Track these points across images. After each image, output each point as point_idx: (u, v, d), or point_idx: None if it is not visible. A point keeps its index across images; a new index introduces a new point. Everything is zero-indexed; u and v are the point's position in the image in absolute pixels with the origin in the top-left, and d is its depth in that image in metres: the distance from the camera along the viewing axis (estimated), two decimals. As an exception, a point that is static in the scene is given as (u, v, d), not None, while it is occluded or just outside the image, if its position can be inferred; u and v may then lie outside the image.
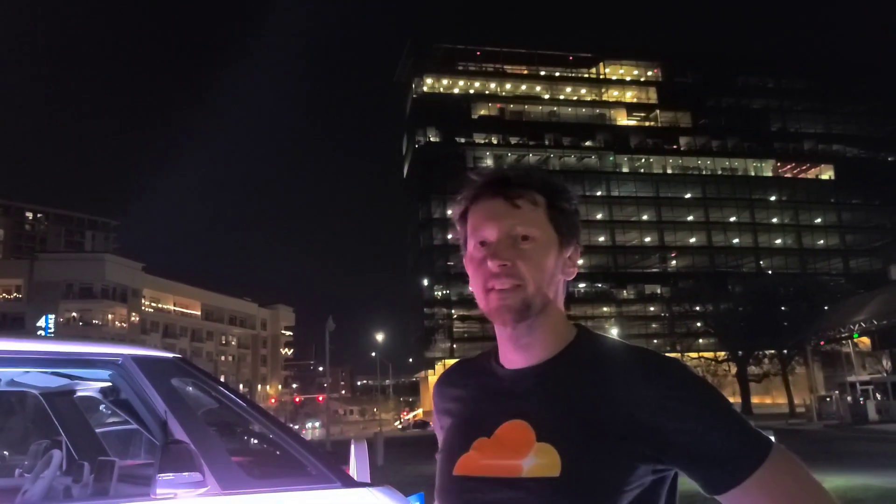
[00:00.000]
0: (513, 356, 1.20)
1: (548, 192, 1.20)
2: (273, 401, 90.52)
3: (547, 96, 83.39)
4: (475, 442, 1.17)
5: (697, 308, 62.00)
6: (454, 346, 71.04)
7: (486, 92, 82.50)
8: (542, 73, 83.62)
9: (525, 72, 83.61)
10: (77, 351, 2.92)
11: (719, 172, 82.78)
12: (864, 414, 31.56)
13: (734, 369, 53.89)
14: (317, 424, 73.80)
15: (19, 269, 72.53)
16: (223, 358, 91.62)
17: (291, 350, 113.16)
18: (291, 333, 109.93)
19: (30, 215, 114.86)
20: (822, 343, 39.52)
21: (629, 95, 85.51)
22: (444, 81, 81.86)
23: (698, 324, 64.14)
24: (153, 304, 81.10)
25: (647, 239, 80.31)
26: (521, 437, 1.11)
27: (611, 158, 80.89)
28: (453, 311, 72.11)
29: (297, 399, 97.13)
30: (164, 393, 2.69)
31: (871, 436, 24.65)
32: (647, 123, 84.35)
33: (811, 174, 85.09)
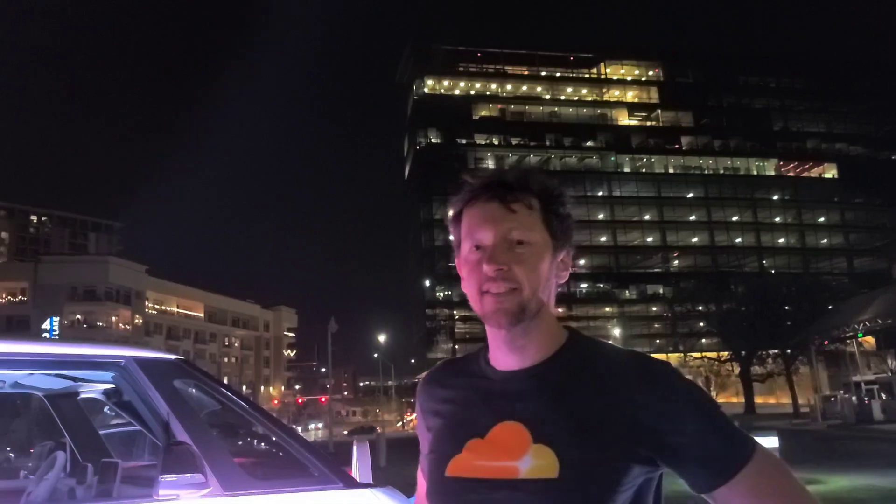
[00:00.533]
0: (506, 358, 1.20)
1: (543, 195, 1.21)
2: (276, 402, 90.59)
3: (548, 97, 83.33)
4: (468, 443, 1.17)
5: (700, 308, 61.89)
6: (456, 346, 71.00)
7: (487, 93, 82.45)
8: (543, 73, 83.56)
9: (526, 72, 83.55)
10: (80, 353, 2.93)
11: (721, 172, 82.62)
12: (869, 414, 31.44)
13: (737, 369, 53.80)
14: (319, 425, 73.82)
15: (24, 272, 72.66)
16: (226, 360, 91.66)
17: (294, 351, 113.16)
18: (294, 335, 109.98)
19: (34, 218, 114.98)
20: (825, 343, 39.40)
21: (630, 95, 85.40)
22: (445, 83, 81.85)
23: (701, 324, 64.03)
24: (156, 307, 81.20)
25: (650, 239, 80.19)
26: (517, 439, 1.12)
27: (612, 158, 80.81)
28: (455, 312, 72.08)
29: (300, 400, 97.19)
30: (167, 394, 2.70)
31: (876, 436, 24.58)
32: (648, 123, 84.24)
33: (814, 173, 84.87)
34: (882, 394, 33.93)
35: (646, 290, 77.15)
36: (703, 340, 65.35)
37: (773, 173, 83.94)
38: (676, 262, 78.98)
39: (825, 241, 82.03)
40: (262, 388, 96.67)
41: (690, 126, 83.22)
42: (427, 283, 73.52)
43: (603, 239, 78.46)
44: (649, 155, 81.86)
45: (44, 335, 58.90)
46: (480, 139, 79.13)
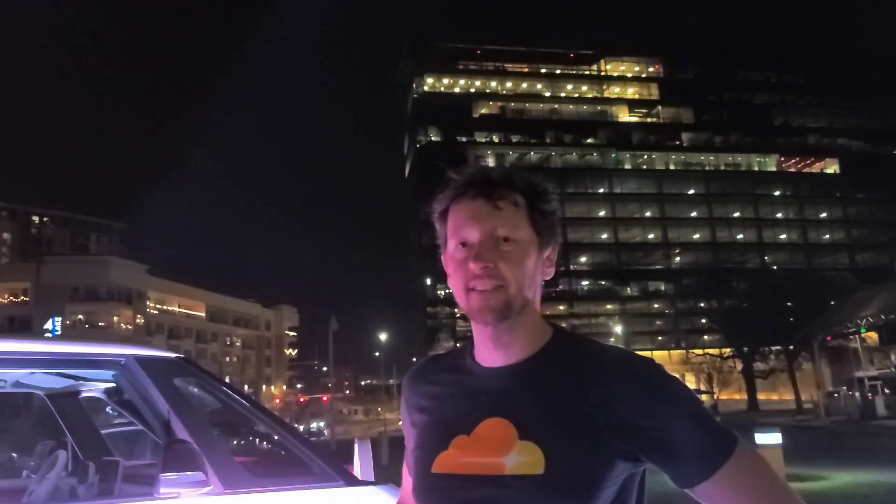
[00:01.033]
0: (492, 355, 1.21)
1: (528, 193, 1.22)
2: (278, 401, 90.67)
3: (548, 94, 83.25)
4: (454, 440, 1.18)
5: (702, 304, 61.94)
6: (457, 344, 70.08)
7: (487, 90, 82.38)
8: (543, 70, 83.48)
9: (526, 70, 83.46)
10: (80, 351, 2.92)
11: (722, 168, 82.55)
12: (873, 410, 31.41)
13: (740, 366, 53.81)
14: (321, 424, 73.86)
15: (26, 273, 72.83)
16: (228, 359, 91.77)
17: (295, 350, 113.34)
18: (295, 334, 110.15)
19: (36, 219, 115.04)
20: (828, 338, 39.37)
21: (630, 92, 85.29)
22: (445, 80, 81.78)
23: (703, 320, 64.06)
24: (158, 306, 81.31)
25: (651, 236, 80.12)
26: (503, 435, 1.13)
27: (613, 155, 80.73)
28: (456, 310, 71.90)
29: (302, 399, 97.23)
30: (167, 393, 2.69)
31: (880, 432, 24.57)
32: (648, 120, 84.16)
33: (815, 168, 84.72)
34: (885, 389, 33.92)
35: (647, 286, 77.11)
36: (706, 337, 65.38)
37: (774, 169, 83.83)
38: (678, 258, 78.90)
39: (827, 236, 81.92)
40: (264, 387, 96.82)
41: (691, 122, 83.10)
42: (428, 281, 73.50)
43: (604, 236, 78.43)
44: (650, 151, 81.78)
45: (46, 335, 58.94)
46: (481, 137, 79.08)
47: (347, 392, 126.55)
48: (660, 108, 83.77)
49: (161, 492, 2.41)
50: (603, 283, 76.95)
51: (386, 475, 3.05)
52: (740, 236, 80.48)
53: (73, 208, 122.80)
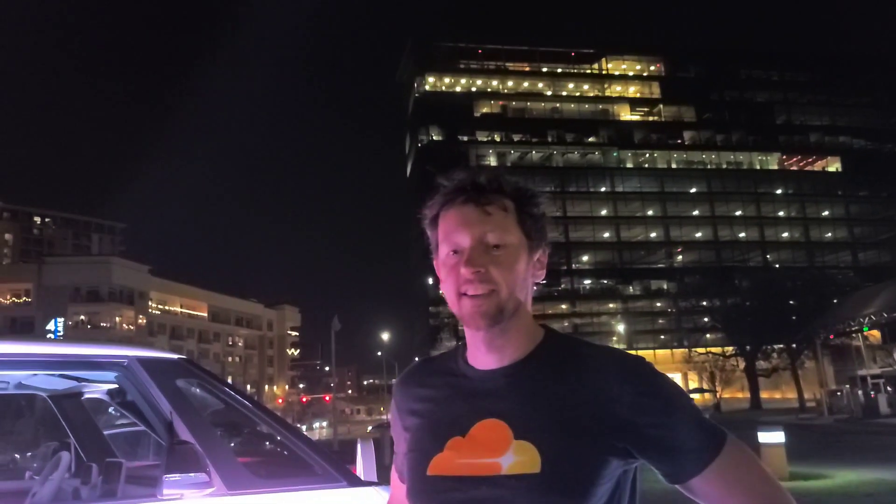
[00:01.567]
0: (485, 358, 1.22)
1: (517, 197, 1.23)
2: (280, 401, 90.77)
3: (549, 93, 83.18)
4: (449, 441, 1.18)
5: (704, 303, 61.85)
6: (459, 344, 70.74)
7: (488, 90, 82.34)
8: (545, 69, 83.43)
9: (527, 69, 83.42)
10: (83, 353, 2.92)
11: (724, 166, 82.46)
12: (875, 408, 31.34)
13: (742, 364, 53.74)
14: (324, 424, 73.92)
15: (28, 273, 72.94)
16: (230, 359, 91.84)
17: (298, 350, 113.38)
18: (297, 334, 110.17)
19: (37, 220, 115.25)
20: (831, 337, 39.32)
21: (632, 91, 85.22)
22: (446, 80, 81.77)
23: (705, 319, 63.99)
24: (160, 307, 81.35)
25: (653, 234, 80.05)
26: (498, 436, 1.14)
27: (615, 154, 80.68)
28: (458, 310, 71.90)
29: (304, 399, 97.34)
30: (170, 394, 2.69)
31: (883, 429, 24.51)
32: (650, 118, 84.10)
33: (817, 167, 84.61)
34: (888, 387, 33.80)
35: (650, 285, 77.06)
36: (708, 336, 65.30)
37: (776, 167, 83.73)
38: (680, 257, 78.87)
39: (829, 234, 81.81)
40: (266, 387, 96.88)
41: (693, 121, 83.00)
42: (430, 280, 73.48)
43: (606, 235, 78.39)
44: (652, 150, 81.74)
45: (48, 336, 59.08)
46: (482, 136, 79.07)
47: (350, 392, 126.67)
48: (661, 106, 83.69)
49: (164, 493, 2.42)
50: (605, 281, 76.91)
51: (389, 475, 3.05)
52: (742, 235, 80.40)
53: (75, 209, 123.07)
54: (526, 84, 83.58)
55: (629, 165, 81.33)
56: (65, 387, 3.63)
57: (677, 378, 52.12)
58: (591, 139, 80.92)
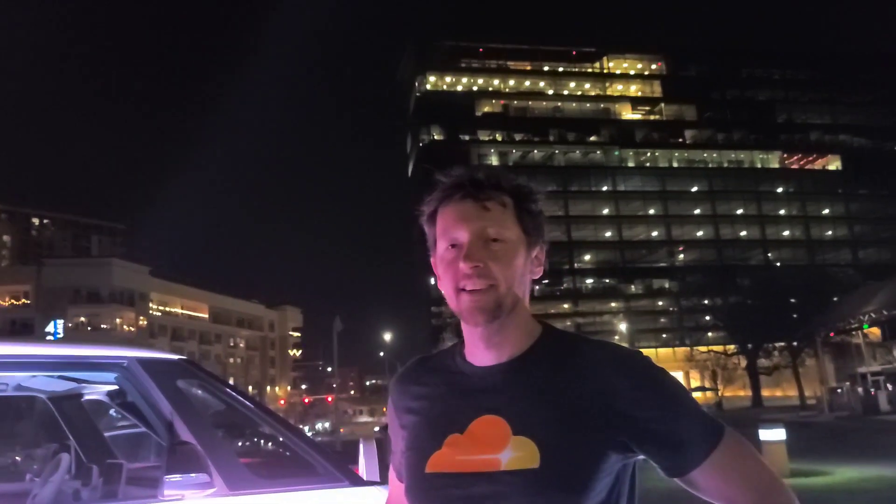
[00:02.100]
0: (482, 353, 1.23)
1: (515, 193, 1.23)
2: (283, 402, 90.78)
3: (551, 92, 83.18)
4: (448, 439, 1.18)
5: (706, 302, 61.88)
6: (457, 341, 70.82)
7: (490, 89, 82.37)
8: (546, 68, 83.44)
9: (528, 68, 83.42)
10: (82, 354, 2.91)
11: (725, 165, 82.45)
12: (876, 405, 31.37)
13: (744, 362, 53.78)
14: (326, 425, 73.95)
15: (27, 275, 72.80)
16: (232, 360, 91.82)
17: (300, 351, 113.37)
18: (299, 335, 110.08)
19: (36, 221, 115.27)
20: (831, 334, 39.34)
21: (633, 89, 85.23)
22: (447, 79, 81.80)
23: (707, 317, 64.02)
24: (161, 308, 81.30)
25: (654, 233, 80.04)
26: (497, 432, 1.14)
27: (616, 153, 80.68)
28: (460, 309, 71.90)
29: (307, 400, 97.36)
30: (170, 394, 2.68)
31: (883, 427, 24.52)
32: (651, 117, 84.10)
33: (818, 165, 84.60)
34: (888, 385, 33.84)
35: (651, 284, 77.07)
36: (710, 334, 65.30)
37: (777, 166, 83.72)
38: (682, 256, 78.88)
39: (830, 232, 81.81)
40: (269, 388, 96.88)
41: (694, 119, 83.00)
42: (431, 280, 72.98)
43: (608, 234, 78.42)
44: (653, 149, 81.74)
45: (48, 338, 59.10)
46: (483, 135, 79.08)
47: (352, 392, 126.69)
48: (663, 105, 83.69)
49: (165, 494, 2.41)
50: (607, 280, 76.92)
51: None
52: (744, 233, 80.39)
53: (75, 210, 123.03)
54: (527, 83, 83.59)
55: (631, 164, 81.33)
56: (64, 388, 3.62)
57: (679, 376, 51.86)
58: (592, 138, 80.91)
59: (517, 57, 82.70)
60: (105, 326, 70.70)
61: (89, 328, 69.56)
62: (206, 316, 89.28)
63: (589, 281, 77.20)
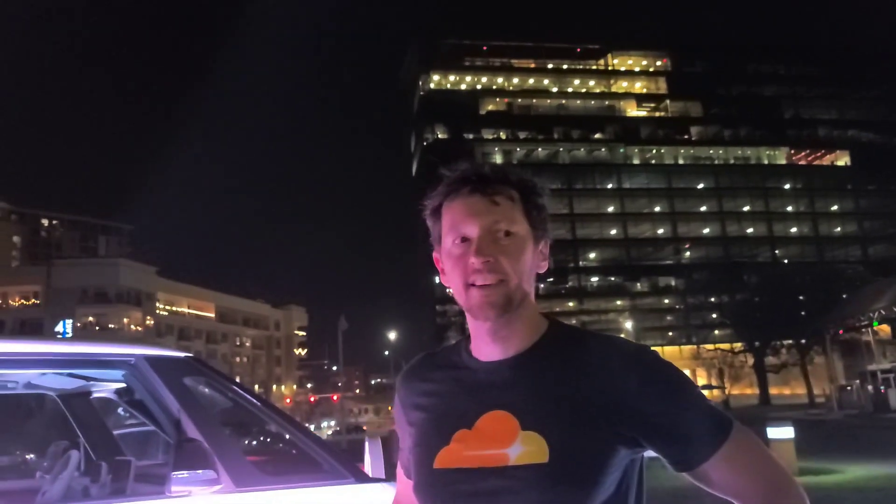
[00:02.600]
0: (489, 348, 1.22)
1: (522, 187, 1.23)
2: (288, 401, 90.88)
3: (555, 89, 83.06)
4: (455, 434, 1.18)
5: (713, 299, 61.73)
6: (463, 337, 70.84)
7: (494, 87, 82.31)
8: (550, 66, 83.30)
9: (532, 65, 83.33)
10: (90, 352, 2.94)
11: (732, 162, 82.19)
12: (885, 403, 31.21)
13: (751, 360, 53.63)
14: (332, 423, 74.03)
15: (36, 275, 73.25)
16: (238, 359, 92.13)
17: (305, 350, 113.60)
18: (305, 334, 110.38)
19: (45, 222, 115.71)
20: (840, 332, 39.18)
21: (638, 86, 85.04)
22: (451, 77, 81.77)
23: (714, 315, 63.85)
24: (167, 308, 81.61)
25: (660, 231, 79.88)
26: (505, 427, 1.14)
27: (621, 150, 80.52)
28: (465, 307, 71.89)
29: (313, 399, 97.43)
30: (177, 392, 2.70)
31: (893, 425, 24.41)
32: (657, 114, 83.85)
33: (826, 161, 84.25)
34: (898, 382, 33.65)
35: (658, 282, 76.91)
36: (717, 332, 65.13)
37: (784, 162, 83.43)
38: (688, 253, 78.65)
39: (838, 229, 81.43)
40: (274, 387, 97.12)
41: (700, 116, 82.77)
42: (436, 279, 72.89)
43: (613, 232, 78.28)
44: (659, 146, 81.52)
45: (57, 338, 59.32)
46: (488, 134, 79.05)
47: (358, 391, 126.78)
48: (668, 102, 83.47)
49: (172, 490, 2.42)
50: (613, 279, 76.80)
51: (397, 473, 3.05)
52: (751, 230, 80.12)
53: (82, 211, 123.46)
54: (531, 81, 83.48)
55: (636, 162, 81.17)
56: (73, 386, 3.64)
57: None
58: (597, 136, 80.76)
59: (521, 55, 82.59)
60: (112, 326, 70.99)
61: (97, 328, 69.87)
62: (213, 315, 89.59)
63: (594, 279, 77.07)
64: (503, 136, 79.29)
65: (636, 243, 78.73)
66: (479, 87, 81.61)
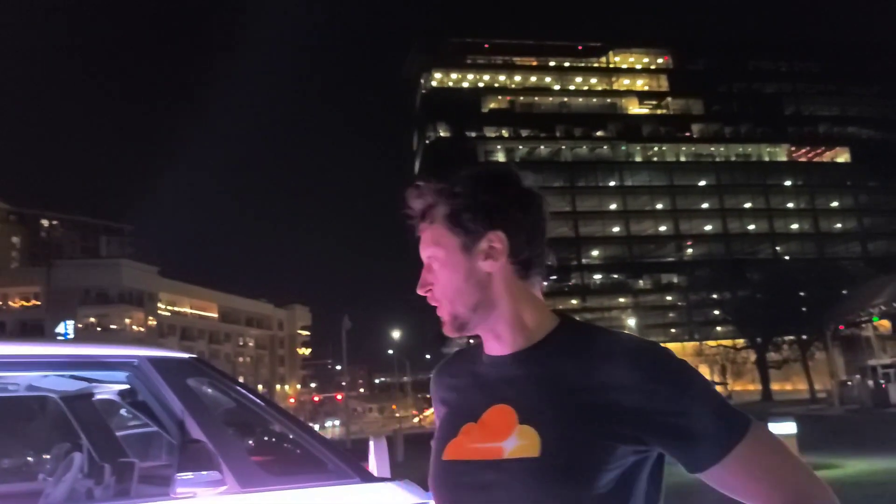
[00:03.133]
0: (493, 345, 1.24)
1: (441, 199, 1.23)
2: (292, 400, 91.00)
3: (557, 87, 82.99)
4: (463, 427, 1.21)
5: (715, 296, 61.70)
6: (471, 341, 70.52)
7: (496, 85, 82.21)
8: (552, 63, 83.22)
9: (534, 63, 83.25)
10: (93, 353, 2.93)
11: (733, 159, 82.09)
12: (886, 398, 31.26)
13: (753, 356, 53.65)
14: (336, 423, 74.11)
15: (37, 277, 73.28)
16: (241, 359, 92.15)
17: (309, 350, 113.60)
18: (308, 333, 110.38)
19: (45, 223, 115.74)
20: (841, 328, 39.21)
21: (640, 84, 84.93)
22: (453, 76, 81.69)
23: (716, 312, 63.87)
24: (170, 308, 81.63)
25: (662, 228, 79.84)
26: (504, 421, 1.15)
27: (623, 148, 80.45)
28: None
29: (316, 398, 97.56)
30: (181, 393, 2.69)
31: (894, 419, 24.43)
32: (658, 111, 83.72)
33: (826, 158, 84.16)
34: (899, 377, 33.65)
35: (660, 279, 76.89)
36: (719, 328, 65.17)
37: (785, 159, 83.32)
38: (690, 250, 78.58)
39: (839, 225, 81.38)
40: (278, 386, 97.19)
41: (701, 113, 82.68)
42: (440, 277, 73.48)
43: (615, 229, 78.25)
44: (660, 143, 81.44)
45: (59, 339, 59.37)
46: (490, 132, 79.01)
47: (362, 390, 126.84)
48: (669, 99, 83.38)
49: (177, 491, 2.42)
50: (615, 276, 76.78)
51: (402, 472, 3.06)
52: (752, 227, 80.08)
53: (82, 211, 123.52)
54: (533, 79, 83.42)
55: (638, 159, 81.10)
56: (76, 388, 3.64)
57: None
58: (599, 133, 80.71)
59: (523, 52, 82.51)
60: (114, 327, 71.07)
61: (99, 329, 69.96)
62: (216, 315, 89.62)
63: (597, 276, 77.05)
64: (505, 134, 79.25)
65: (638, 241, 78.70)
66: (481, 85, 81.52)
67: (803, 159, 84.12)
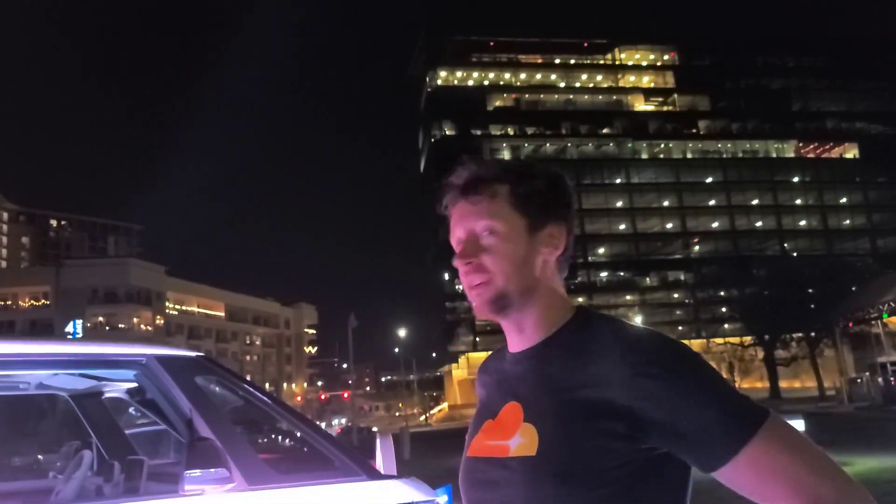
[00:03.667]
0: (513, 340, 1.23)
1: (507, 179, 1.20)
2: (299, 399, 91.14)
3: (562, 85, 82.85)
4: (483, 424, 1.22)
5: (722, 293, 61.43)
6: (477, 339, 71.08)
7: (501, 83, 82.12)
8: (557, 61, 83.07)
9: (539, 61, 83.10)
10: (102, 352, 2.95)
11: (740, 155, 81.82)
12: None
13: (761, 354, 53.42)
14: (343, 421, 74.23)
15: (46, 276, 73.70)
16: (248, 358, 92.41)
17: (315, 348, 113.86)
18: (315, 332, 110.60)
19: (54, 223, 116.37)
20: (850, 325, 38.98)
21: (646, 80, 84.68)
22: (458, 74, 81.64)
23: (723, 309, 63.56)
24: (177, 307, 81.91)
25: (669, 225, 79.64)
26: (513, 418, 1.15)
27: (629, 145, 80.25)
28: (475, 304, 71.87)
29: (323, 396, 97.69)
30: (189, 391, 2.71)
31: (904, 417, 24.28)
32: (665, 108, 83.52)
33: (835, 153, 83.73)
34: (909, 375, 33.48)
35: (667, 276, 76.70)
36: (726, 326, 64.90)
37: (792, 155, 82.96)
38: (697, 247, 78.39)
39: (847, 221, 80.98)
40: (285, 385, 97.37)
41: (708, 110, 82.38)
42: (445, 275, 73.56)
43: (622, 226, 78.07)
44: (667, 140, 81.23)
45: (68, 338, 59.66)
46: (495, 130, 78.94)
47: (368, 388, 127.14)
48: (676, 96, 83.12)
49: (185, 489, 2.44)
50: (622, 273, 76.63)
51: (408, 470, 3.06)
52: (759, 224, 79.77)
53: (90, 211, 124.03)
54: (539, 76, 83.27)
55: (644, 156, 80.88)
56: (85, 386, 3.67)
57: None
58: (605, 130, 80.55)
59: (528, 50, 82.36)
60: (122, 326, 71.37)
61: (107, 328, 70.26)
62: (223, 314, 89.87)
63: (603, 274, 76.92)
64: (511, 131, 79.16)
65: (645, 238, 78.53)
66: (486, 82, 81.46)
67: (811, 155, 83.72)
